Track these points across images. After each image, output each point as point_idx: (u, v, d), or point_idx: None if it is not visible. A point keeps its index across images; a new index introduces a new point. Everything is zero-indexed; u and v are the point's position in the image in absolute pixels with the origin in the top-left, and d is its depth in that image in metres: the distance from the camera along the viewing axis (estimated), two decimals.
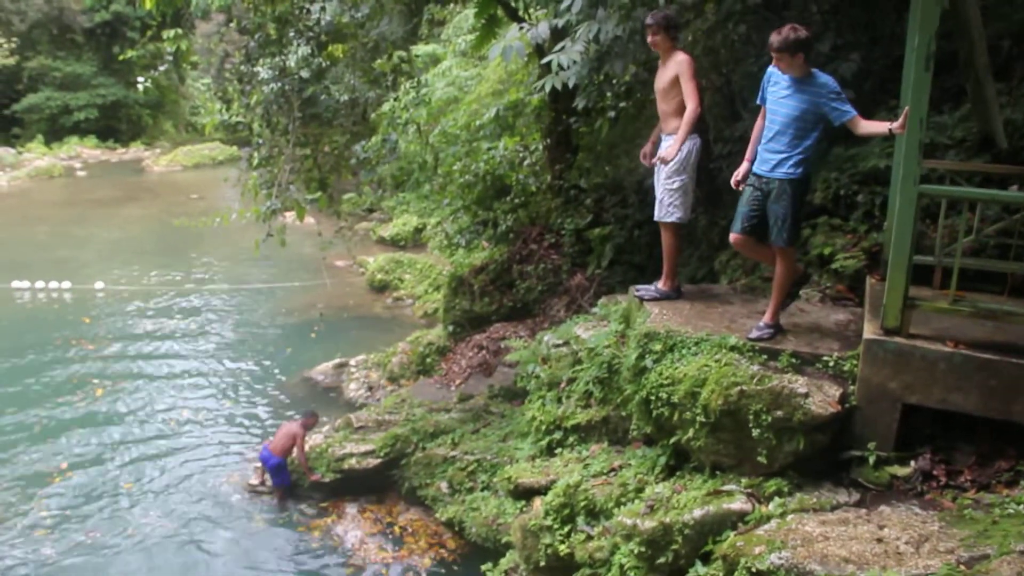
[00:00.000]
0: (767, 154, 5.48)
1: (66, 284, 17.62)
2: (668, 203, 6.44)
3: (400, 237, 19.41)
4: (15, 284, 17.64)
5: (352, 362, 12.42)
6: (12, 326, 15.41)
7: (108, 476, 9.95)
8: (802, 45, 5.15)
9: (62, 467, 10.14)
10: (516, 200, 11.78)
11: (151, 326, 15.31)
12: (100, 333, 14.87)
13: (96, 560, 8.37)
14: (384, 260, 17.06)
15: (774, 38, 5.22)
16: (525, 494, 6.85)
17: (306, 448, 9.28)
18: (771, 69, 5.49)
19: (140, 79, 12.87)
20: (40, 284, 17.63)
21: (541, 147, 11.94)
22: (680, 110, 6.23)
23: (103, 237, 22.39)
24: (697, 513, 5.06)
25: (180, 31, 12.18)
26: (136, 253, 20.68)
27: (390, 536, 8.42)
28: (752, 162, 5.67)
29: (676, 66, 6.18)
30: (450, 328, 11.82)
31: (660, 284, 6.59)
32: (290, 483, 9.29)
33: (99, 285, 17.59)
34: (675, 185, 6.39)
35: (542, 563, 6.14)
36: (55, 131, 36.10)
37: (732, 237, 5.82)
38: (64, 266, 18.75)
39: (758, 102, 5.71)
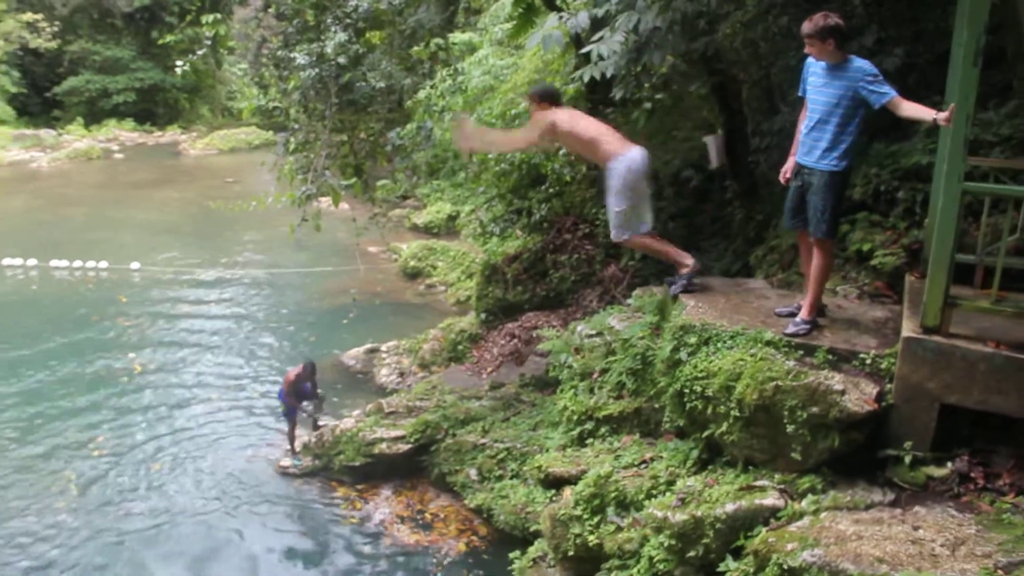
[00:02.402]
0: (809, 143, 5.44)
1: (103, 264, 17.86)
2: (615, 224, 6.63)
3: (433, 224, 19.43)
4: (53, 263, 17.92)
5: (384, 348, 12.48)
6: (51, 304, 15.68)
7: (140, 453, 10.14)
8: (832, 31, 5.12)
9: (98, 440, 10.36)
10: (551, 190, 11.73)
11: (186, 307, 15.50)
12: (136, 312, 15.09)
13: (122, 536, 8.55)
14: (417, 247, 17.09)
15: (805, 25, 5.22)
16: (555, 483, 6.86)
17: (336, 432, 9.45)
18: (809, 59, 5.45)
19: (178, 63, 12.93)
20: (78, 263, 17.89)
21: None
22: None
23: (140, 219, 22.62)
24: (729, 507, 5.04)
25: (218, 16, 12.24)
26: (172, 235, 20.89)
27: (421, 521, 8.48)
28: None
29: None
30: (482, 316, 11.82)
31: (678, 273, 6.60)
32: (294, 415, 9.89)
33: (135, 265, 17.81)
34: (616, 209, 6.52)
35: (571, 553, 6.14)
36: (94, 114, 36.47)
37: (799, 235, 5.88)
38: (101, 246, 18.99)
39: (799, 94, 5.66)
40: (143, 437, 10.54)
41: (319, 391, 10.26)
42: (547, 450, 7.50)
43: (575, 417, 7.18)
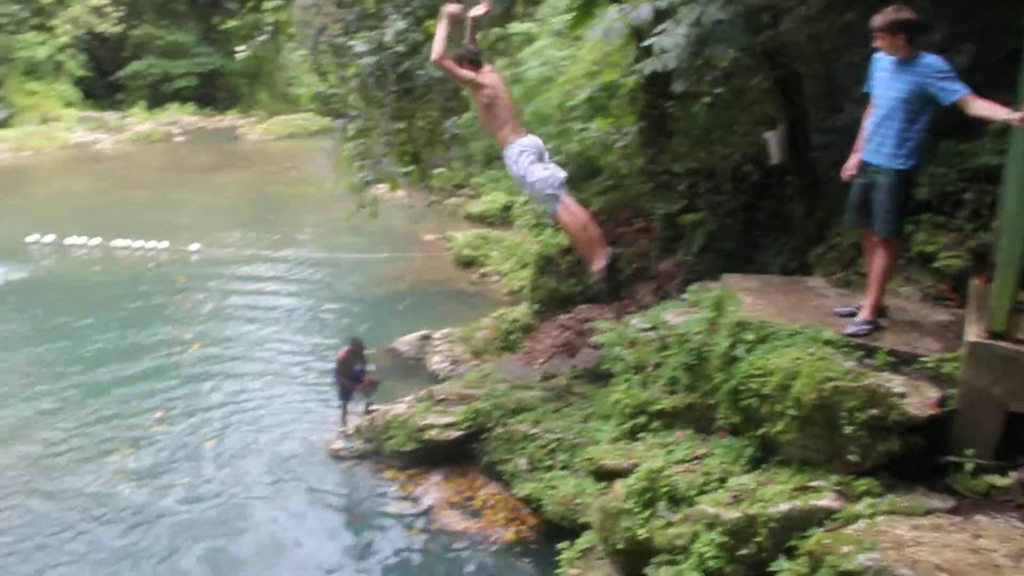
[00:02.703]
0: (876, 141, 5.36)
1: (163, 244, 18.27)
2: (541, 192, 6.84)
3: (488, 214, 19.45)
4: (116, 243, 18.36)
5: (437, 335, 12.53)
6: (113, 282, 16.14)
7: (196, 429, 10.43)
8: (903, 25, 5.04)
9: (155, 415, 10.68)
10: (607, 182, 11.69)
11: (244, 289, 15.78)
12: (195, 292, 15.44)
13: (173, 513, 8.78)
14: (472, 236, 17.14)
15: (876, 18, 5.15)
16: (606, 476, 6.84)
17: (388, 416, 9.55)
18: (877, 55, 5.36)
19: (239, 49, 13.19)
20: (139, 244, 18.31)
21: (635, 130, 11.82)
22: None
23: (199, 201, 23.03)
24: (783, 507, 5.00)
25: (279, 3, 12.37)
26: (231, 218, 21.25)
27: (469, 508, 8.54)
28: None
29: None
30: (535, 307, 11.83)
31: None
32: (348, 397, 10.16)
33: (194, 247, 18.17)
34: (531, 180, 6.76)
35: (620, 546, 6.12)
36: (156, 97, 37.23)
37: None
38: (162, 227, 19.40)
39: (865, 90, 5.58)
40: (199, 414, 10.79)
41: (371, 374, 10.33)
42: (598, 443, 7.49)
43: (628, 410, 7.16)
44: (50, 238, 18.68)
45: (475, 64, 6.92)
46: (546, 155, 6.89)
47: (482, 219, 19.40)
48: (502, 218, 19.19)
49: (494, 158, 20.61)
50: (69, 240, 18.58)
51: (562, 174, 6.74)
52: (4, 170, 26.88)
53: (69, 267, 17.32)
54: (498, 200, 19.64)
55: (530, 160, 6.65)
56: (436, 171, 16.51)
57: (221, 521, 8.63)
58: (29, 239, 18.66)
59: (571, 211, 6.72)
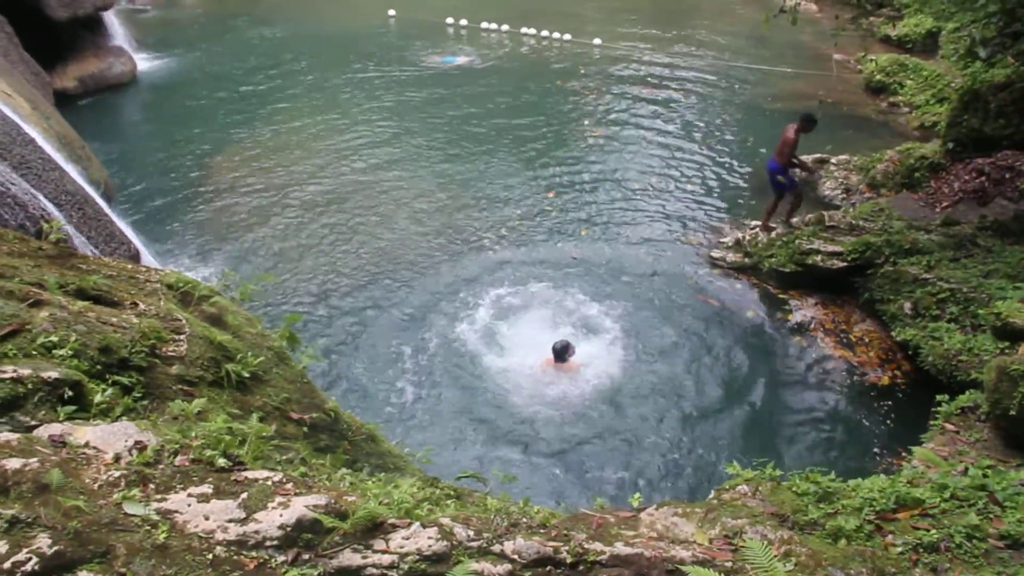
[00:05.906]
0: None
1: (567, 36, 18.78)
2: None
3: (909, 38, 17.59)
4: (523, 30, 19.19)
5: (833, 160, 11.90)
6: (518, 65, 17.11)
7: (581, 211, 11.07)
8: None
9: (548, 195, 11.51)
10: None
11: (639, 85, 15.98)
12: (592, 84, 15.85)
13: (537, 276, 9.56)
14: (886, 61, 15.67)
15: None
16: (1011, 336, 6.32)
17: (772, 234, 9.35)
18: None
19: None
20: (545, 33, 19.01)
21: None
22: None
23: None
24: None
25: None
26: (633, 14, 21.17)
27: (844, 339, 8.35)
28: None
29: None
30: (949, 145, 10.78)
31: None
32: (793, 186, 9.68)
33: (597, 41, 18.48)
34: None
35: (1012, 412, 5.67)
36: None
37: None
38: (567, 20, 19.88)
39: None
40: (584, 197, 11.40)
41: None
42: (1005, 299, 6.86)
43: None
44: (464, 22, 19.97)
45: None
46: None
47: (900, 43, 17.60)
48: (923, 45, 17.28)
49: None
50: (483, 25, 19.74)
51: None
52: None
53: (482, 48, 18.45)
54: (923, 24, 17.65)
55: None
56: None
57: (590, 290, 9.24)
58: (448, 20, 20.04)
59: None
